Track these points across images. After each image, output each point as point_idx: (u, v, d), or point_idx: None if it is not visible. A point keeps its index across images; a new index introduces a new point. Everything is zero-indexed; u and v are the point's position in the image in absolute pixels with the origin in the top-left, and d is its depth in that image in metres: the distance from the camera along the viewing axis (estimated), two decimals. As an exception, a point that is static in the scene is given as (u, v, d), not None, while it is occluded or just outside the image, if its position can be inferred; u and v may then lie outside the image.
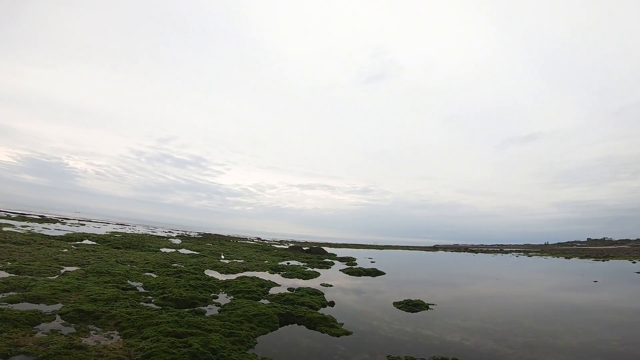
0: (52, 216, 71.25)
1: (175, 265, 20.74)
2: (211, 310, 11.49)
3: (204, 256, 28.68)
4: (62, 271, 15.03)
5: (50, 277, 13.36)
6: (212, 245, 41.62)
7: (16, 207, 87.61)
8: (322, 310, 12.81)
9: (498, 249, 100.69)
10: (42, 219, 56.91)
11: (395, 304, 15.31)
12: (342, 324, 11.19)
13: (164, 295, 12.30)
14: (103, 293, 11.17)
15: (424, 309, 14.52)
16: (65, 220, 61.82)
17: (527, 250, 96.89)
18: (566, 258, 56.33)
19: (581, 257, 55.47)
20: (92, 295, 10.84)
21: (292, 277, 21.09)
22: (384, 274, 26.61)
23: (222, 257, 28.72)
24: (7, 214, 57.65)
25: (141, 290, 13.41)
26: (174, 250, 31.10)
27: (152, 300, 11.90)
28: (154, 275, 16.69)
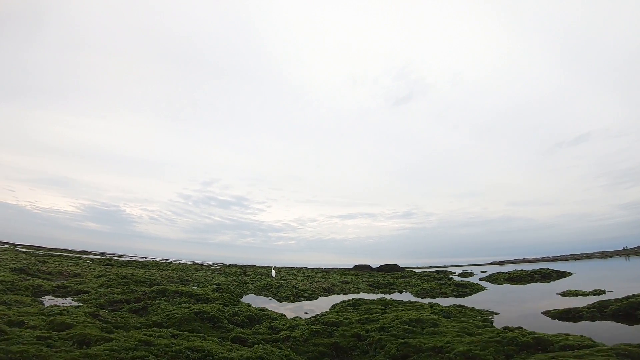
0: (98, 252, 64.51)
1: (184, 283, 9.24)
2: None
3: (246, 275, 17.12)
4: None
5: None
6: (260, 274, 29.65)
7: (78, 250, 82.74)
8: None
9: (584, 257, 78.75)
10: (85, 252, 49.62)
11: None
12: None
13: None
14: None
15: None
16: (107, 254, 53.98)
17: (606, 255, 74.01)
18: None
19: None
20: None
21: (438, 296, 8.64)
22: (570, 274, 13.53)
23: (274, 274, 16.64)
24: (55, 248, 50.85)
25: None
26: (202, 271, 19.81)
27: None
28: (75, 304, 5.27)
